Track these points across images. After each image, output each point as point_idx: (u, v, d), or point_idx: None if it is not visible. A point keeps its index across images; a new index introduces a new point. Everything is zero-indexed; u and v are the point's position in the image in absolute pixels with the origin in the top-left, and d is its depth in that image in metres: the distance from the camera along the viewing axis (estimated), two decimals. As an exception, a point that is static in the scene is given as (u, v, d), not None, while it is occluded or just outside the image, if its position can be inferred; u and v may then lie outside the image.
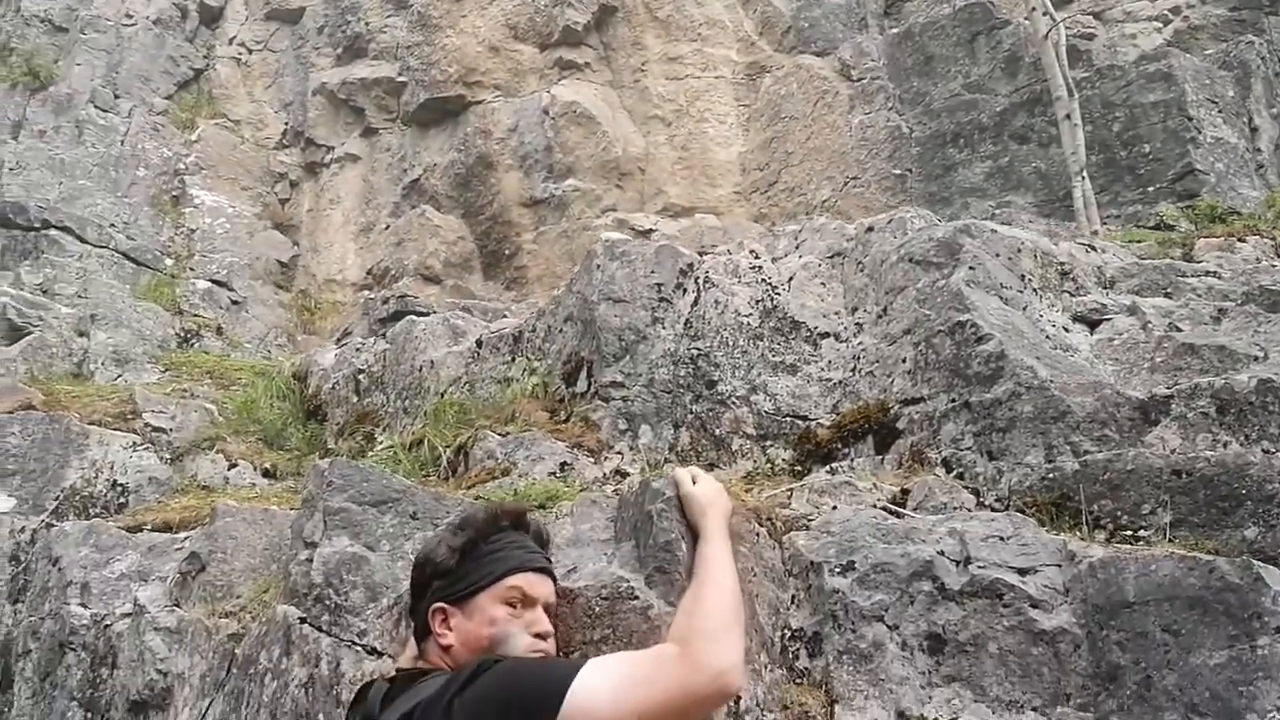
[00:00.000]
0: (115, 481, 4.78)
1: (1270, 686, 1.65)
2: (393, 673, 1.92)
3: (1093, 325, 3.23)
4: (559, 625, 2.07)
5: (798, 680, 2.10)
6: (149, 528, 4.03)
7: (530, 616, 1.83)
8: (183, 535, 3.94)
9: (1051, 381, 2.75)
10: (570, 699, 1.58)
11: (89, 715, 3.39)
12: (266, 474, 4.98)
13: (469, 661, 1.69)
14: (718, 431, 3.41)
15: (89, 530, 3.92)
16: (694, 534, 2.01)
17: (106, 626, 3.49)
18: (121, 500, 4.71)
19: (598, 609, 2.01)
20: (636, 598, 1.97)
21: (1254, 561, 1.80)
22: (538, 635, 1.81)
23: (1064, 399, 2.70)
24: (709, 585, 1.79)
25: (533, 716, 1.57)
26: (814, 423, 3.30)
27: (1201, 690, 1.71)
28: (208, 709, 2.94)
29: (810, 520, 2.39)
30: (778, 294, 3.55)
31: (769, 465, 3.33)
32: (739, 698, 1.95)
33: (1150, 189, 6.06)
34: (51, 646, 3.64)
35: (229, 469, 5.01)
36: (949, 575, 2.03)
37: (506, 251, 8.49)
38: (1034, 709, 1.88)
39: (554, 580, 1.95)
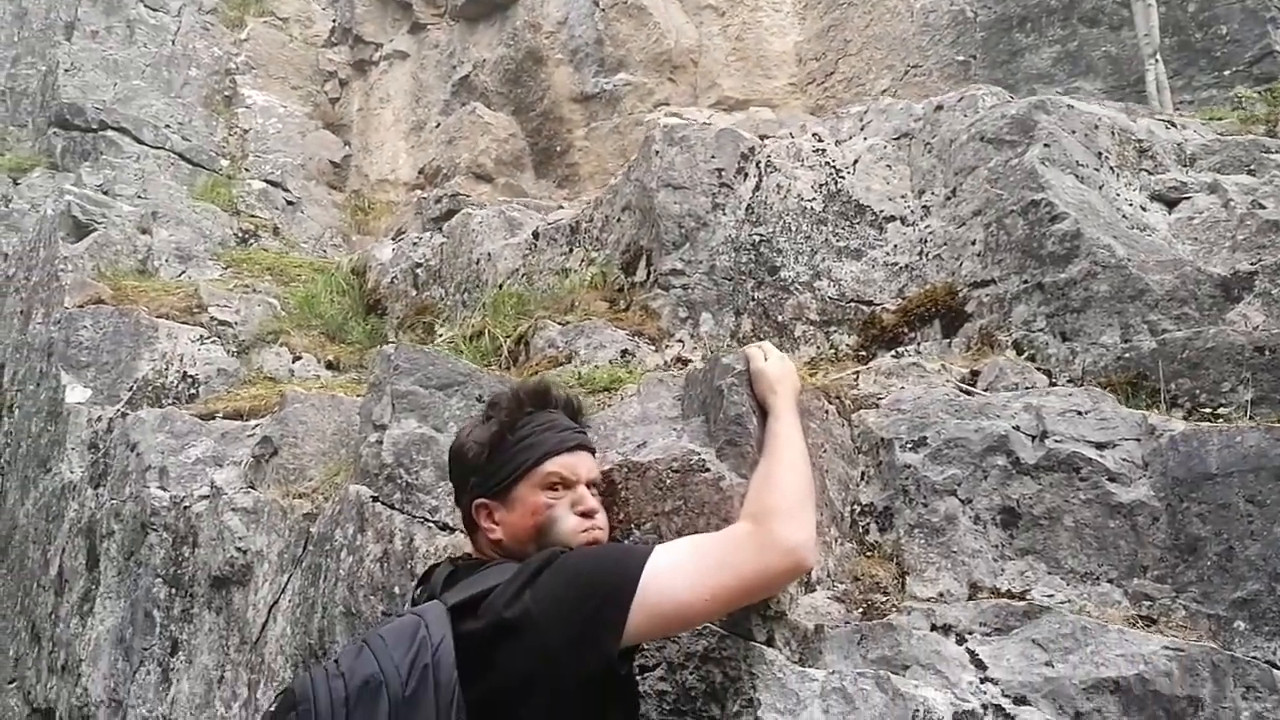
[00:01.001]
0: (185, 373, 4.88)
1: (1357, 555, 1.62)
2: (458, 556, 1.94)
3: (1171, 204, 3.12)
4: (630, 499, 2.10)
5: (868, 553, 2.10)
6: (220, 415, 4.13)
7: (574, 496, 1.81)
8: (253, 423, 4.03)
9: (1129, 260, 2.67)
10: (644, 586, 1.58)
11: (173, 591, 3.52)
12: (330, 366, 5.06)
13: (536, 554, 1.67)
14: (780, 318, 3.37)
15: (164, 418, 4.02)
16: (763, 411, 2.00)
17: (186, 508, 3.61)
18: (192, 391, 4.81)
19: (668, 481, 2.02)
20: (708, 470, 1.97)
21: (1344, 431, 1.75)
22: (583, 514, 1.80)
23: (1142, 277, 2.62)
24: (780, 462, 1.78)
25: (608, 607, 1.57)
26: (879, 308, 3.25)
27: (1286, 560, 1.69)
28: (286, 583, 3.04)
29: (879, 399, 2.37)
30: (842, 177, 3.47)
31: (832, 351, 3.30)
32: (810, 569, 1.97)
33: (1226, 72, 5.78)
34: (134, 527, 3.78)
35: (293, 362, 5.08)
36: (1024, 450, 2.01)
37: (558, 149, 8.38)
38: (1110, 581, 1.87)
39: (592, 453, 1.92)
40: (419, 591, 1.83)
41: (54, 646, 4.15)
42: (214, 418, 4.11)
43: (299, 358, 5.13)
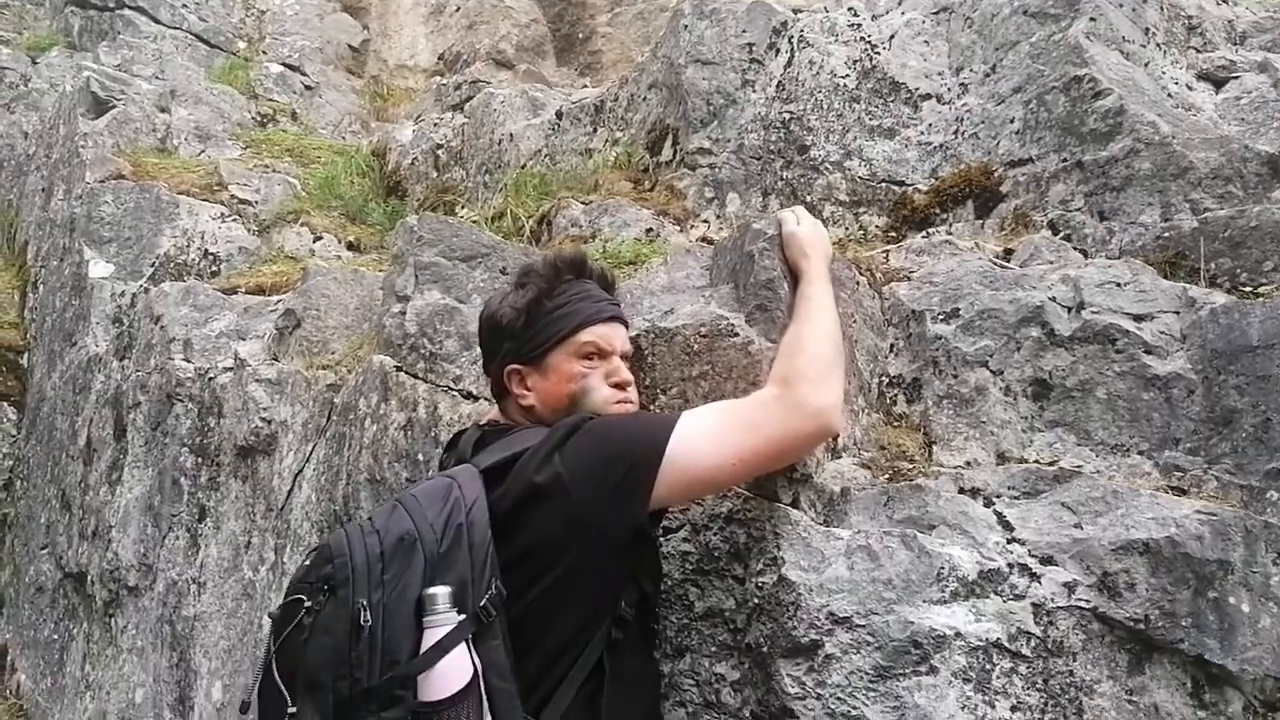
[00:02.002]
0: (207, 250, 4.87)
1: (1400, 425, 1.59)
2: (484, 422, 1.93)
3: (1219, 84, 3.00)
4: (656, 364, 2.08)
5: (894, 424, 2.09)
6: (243, 290, 4.13)
7: (608, 367, 1.80)
8: (275, 298, 4.03)
9: (1173, 137, 2.58)
10: (671, 451, 1.57)
11: (199, 460, 3.57)
12: (350, 247, 5.03)
13: (564, 420, 1.66)
14: (809, 198, 3.30)
15: (187, 291, 4.02)
16: (794, 276, 1.96)
17: (210, 380, 3.63)
18: (214, 269, 4.80)
19: (696, 346, 2.00)
20: (736, 334, 1.95)
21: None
22: (617, 385, 1.79)
23: (1186, 155, 2.54)
24: (809, 325, 1.74)
25: (635, 471, 1.57)
26: (911, 188, 3.17)
27: (1324, 430, 1.66)
28: (311, 452, 3.07)
29: (911, 273, 2.33)
30: (877, 54, 3.35)
31: (861, 232, 3.23)
32: (836, 436, 1.96)
33: (1281, -46, 5.54)
34: (160, 398, 3.81)
35: (314, 241, 5.06)
36: (1059, 321, 1.97)
37: (580, 35, 8.16)
38: (1140, 453, 1.85)
39: (626, 326, 1.91)
40: (447, 456, 1.83)
41: (84, 513, 4.24)
42: (236, 292, 4.11)
43: (320, 238, 5.10)
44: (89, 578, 4.09)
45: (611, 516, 1.55)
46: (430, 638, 1.45)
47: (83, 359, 4.60)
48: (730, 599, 1.82)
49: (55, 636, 4.44)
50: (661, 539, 1.93)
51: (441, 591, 1.47)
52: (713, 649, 1.81)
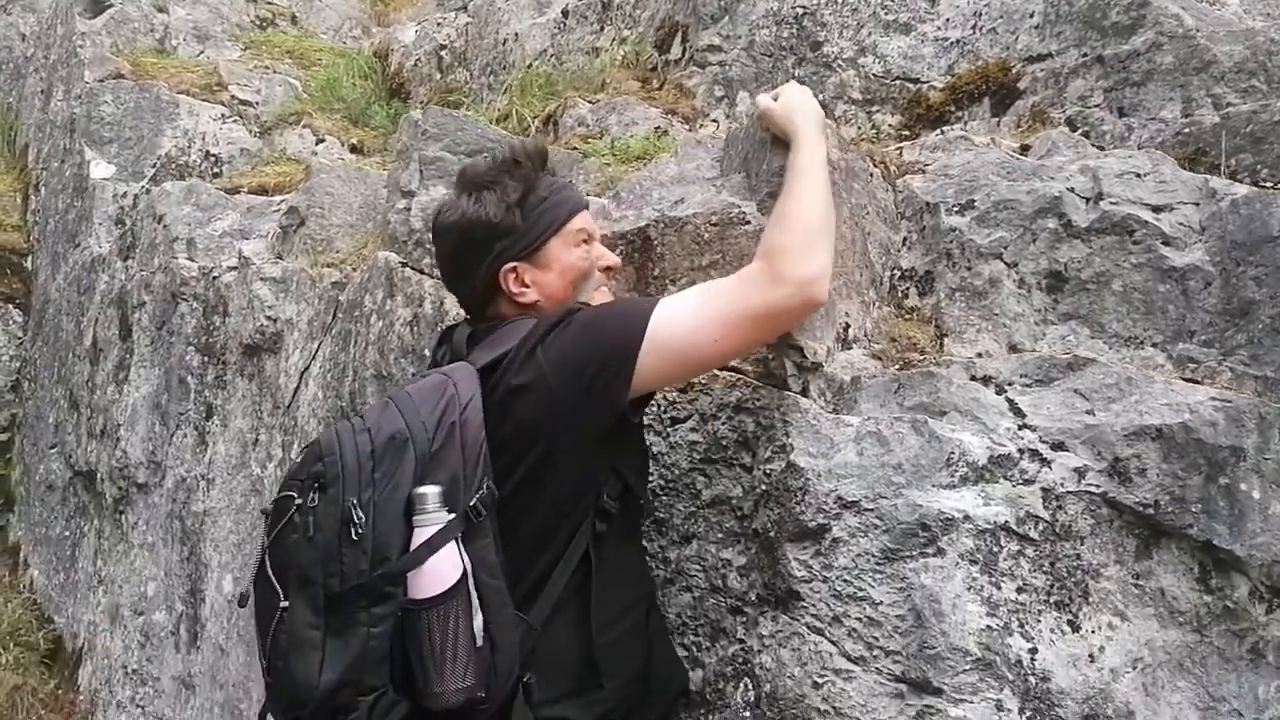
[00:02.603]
0: (208, 152, 4.80)
1: None
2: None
3: (1249, -22, 2.91)
4: (666, 255, 2.05)
5: (906, 316, 2.07)
6: (245, 190, 4.08)
7: (596, 252, 1.78)
8: (278, 198, 3.99)
9: (1197, 30, 2.50)
10: (651, 334, 1.55)
11: (205, 359, 3.57)
12: (353, 149, 4.96)
13: (545, 315, 1.64)
14: (821, 97, 3.22)
15: (189, 190, 3.98)
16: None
17: (215, 279, 3.61)
18: (215, 170, 4.75)
19: (707, 235, 1.97)
20: (748, 222, 1.92)
21: None
22: (607, 269, 1.78)
23: (1210, 48, 2.46)
24: (794, 195, 1.67)
25: (614, 359, 1.55)
26: (926, 85, 3.09)
27: (1343, 320, 1.64)
28: (317, 350, 3.06)
29: (926, 166, 2.28)
30: (895, -55, 3.24)
31: (874, 131, 3.17)
32: (848, 325, 1.94)
33: None
34: (164, 298, 3.79)
35: (316, 144, 4.98)
36: (1077, 212, 1.93)
37: (588, -68, 7.93)
38: (1154, 345, 1.83)
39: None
40: (441, 352, 1.80)
41: (92, 413, 4.26)
42: (239, 192, 4.07)
43: (322, 140, 5.02)
44: (98, 475, 4.13)
45: (592, 406, 1.54)
46: (420, 536, 1.46)
47: (86, 260, 4.58)
48: (738, 487, 1.82)
49: (67, 534, 4.50)
50: (669, 430, 1.93)
51: (432, 491, 1.47)
52: (719, 535, 1.82)
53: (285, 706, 1.48)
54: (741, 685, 1.72)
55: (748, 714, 1.69)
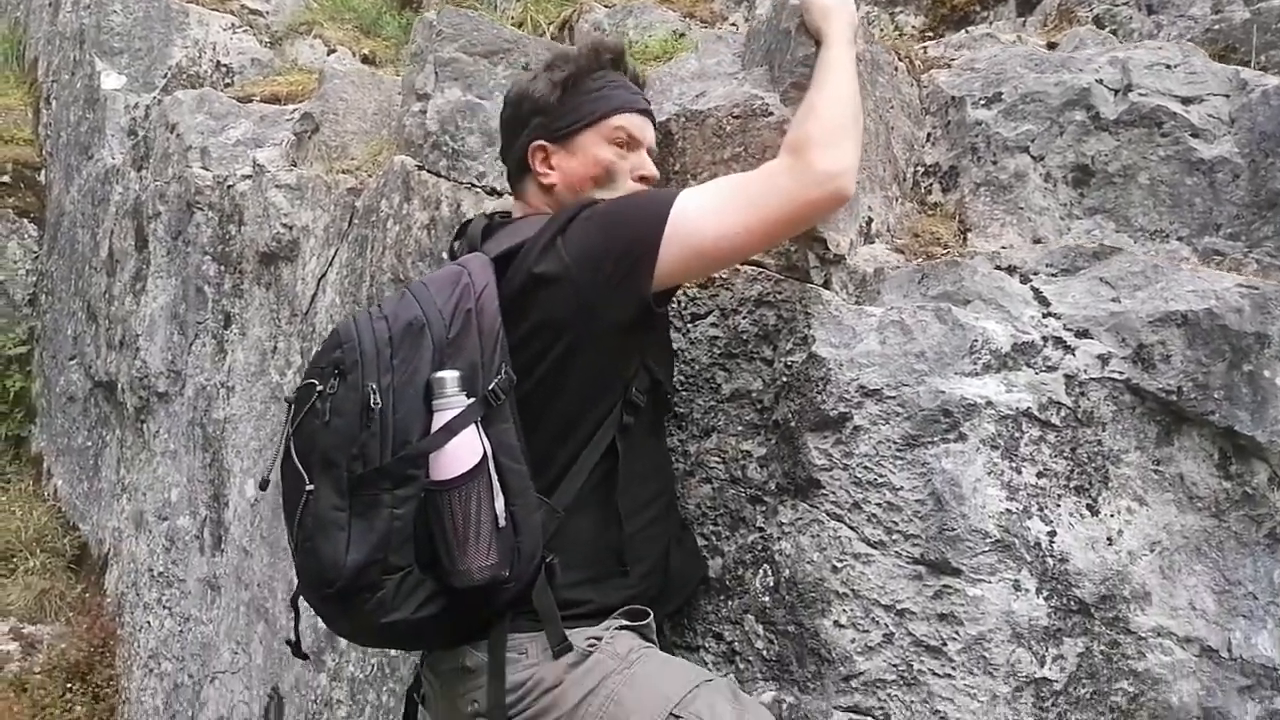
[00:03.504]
0: (219, 62, 4.75)
1: None
2: (493, 213, 1.90)
3: None
4: (687, 149, 2.03)
5: (929, 212, 2.05)
6: (258, 99, 4.04)
7: (635, 160, 1.76)
8: (291, 107, 3.95)
9: (1234, -77, 2.44)
10: (673, 223, 1.54)
11: (222, 268, 3.57)
12: (365, 60, 4.89)
13: (567, 206, 1.64)
14: (843, -2, 3.16)
15: (201, 99, 3.94)
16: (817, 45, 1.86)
17: (230, 187, 3.59)
18: (227, 81, 4.71)
19: (729, 128, 1.95)
20: (771, 114, 1.89)
21: None
22: (642, 178, 1.75)
23: (1246, -59, 2.40)
24: (824, 90, 1.65)
25: (637, 250, 1.54)
26: (951, -15, 3.04)
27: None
28: (334, 256, 3.06)
29: (952, 60, 2.24)
30: None
31: (897, 33, 3.12)
32: (870, 219, 1.93)
33: None
34: (180, 207, 3.79)
35: (327, 54, 4.92)
36: (1105, 104, 1.90)
37: None
38: (1179, 239, 1.81)
39: (654, 126, 1.86)
40: (457, 244, 1.81)
41: (110, 324, 4.29)
42: (251, 100, 4.03)
43: (333, 50, 4.96)
44: (119, 386, 4.17)
45: (614, 297, 1.54)
46: (439, 419, 1.48)
47: (100, 171, 4.56)
48: (758, 380, 1.82)
49: (89, 444, 4.57)
50: (689, 325, 1.93)
51: (450, 375, 1.48)
52: (739, 428, 1.83)
53: (314, 585, 1.52)
54: (761, 572, 1.74)
55: (766, 599, 1.72)
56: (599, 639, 1.54)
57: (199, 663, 3.45)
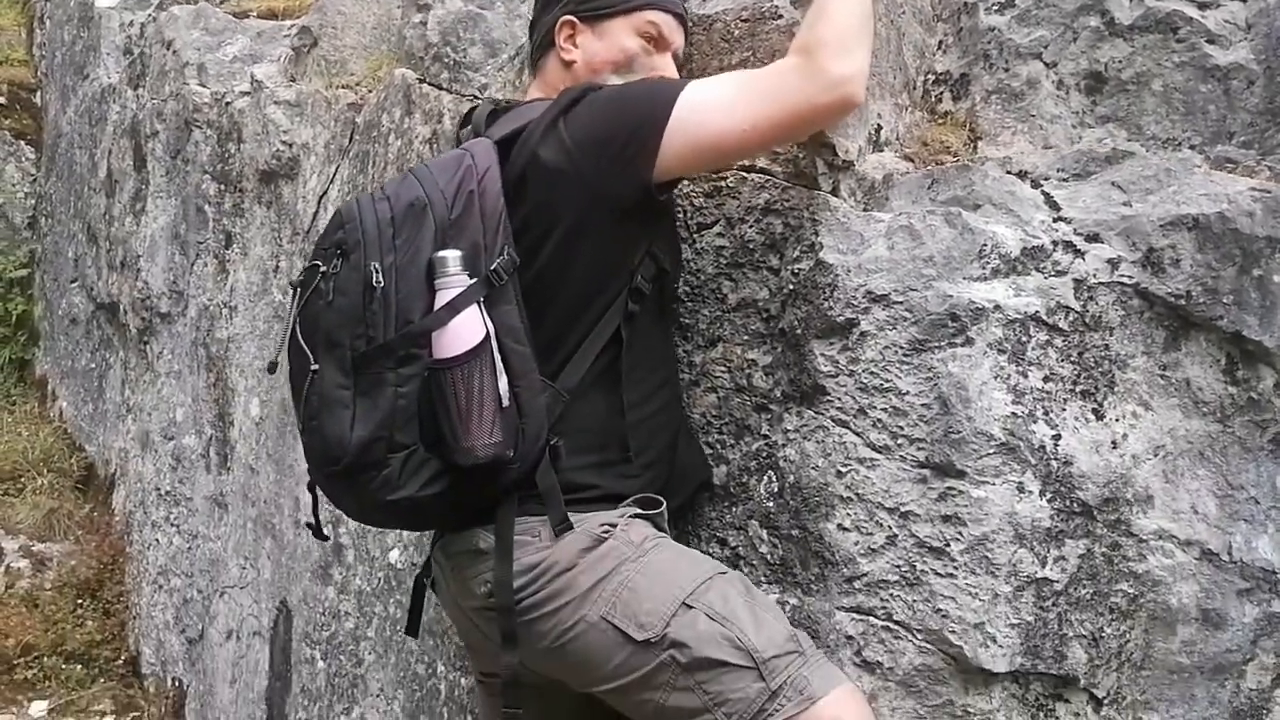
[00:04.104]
0: (213, -22, 4.66)
1: None
2: (499, 100, 1.89)
3: None
4: (694, 54, 1.99)
5: (939, 121, 2.02)
6: (254, 14, 3.98)
7: (659, 61, 1.76)
8: (288, 22, 3.88)
9: None
10: (679, 112, 1.53)
11: (222, 187, 3.54)
12: (364, -22, 4.80)
13: (570, 87, 1.64)
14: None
15: (197, 14, 3.88)
16: None
17: (228, 104, 3.55)
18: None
19: (737, 32, 1.91)
20: (780, 16, 1.85)
21: None
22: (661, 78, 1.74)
23: None
24: None
25: (640, 133, 1.54)
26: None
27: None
28: (334, 173, 3.03)
29: (965, -34, 2.19)
30: None
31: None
32: (880, 126, 1.90)
33: None
34: (177, 125, 3.75)
35: (326, -28, 4.82)
36: (1121, 9, 1.86)
37: None
38: (1192, 147, 1.79)
39: (687, 33, 1.85)
40: (463, 131, 1.81)
41: (111, 245, 4.27)
42: (248, 16, 3.96)
43: (329, -31, 4.85)
44: (121, 307, 4.17)
45: (614, 181, 1.55)
46: (442, 298, 1.49)
47: (96, 91, 4.51)
48: (764, 289, 1.82)
49: (93, 365, 4.58)
50: (695, 236, 1.92)
51: (452, 255, 1.49)
52: (745, 337, 1.83)
53: (321, 463, 1.54)
54: (765, 478, 1.75)
55: (771, 504, 1.73)
56: (613, 525, 1.56)
57: (207, 578, 3.50)
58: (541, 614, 1.53)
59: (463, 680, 2.37)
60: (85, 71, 4.68)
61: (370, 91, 3.03)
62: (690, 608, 1.48)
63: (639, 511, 1.61)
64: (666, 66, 1.76)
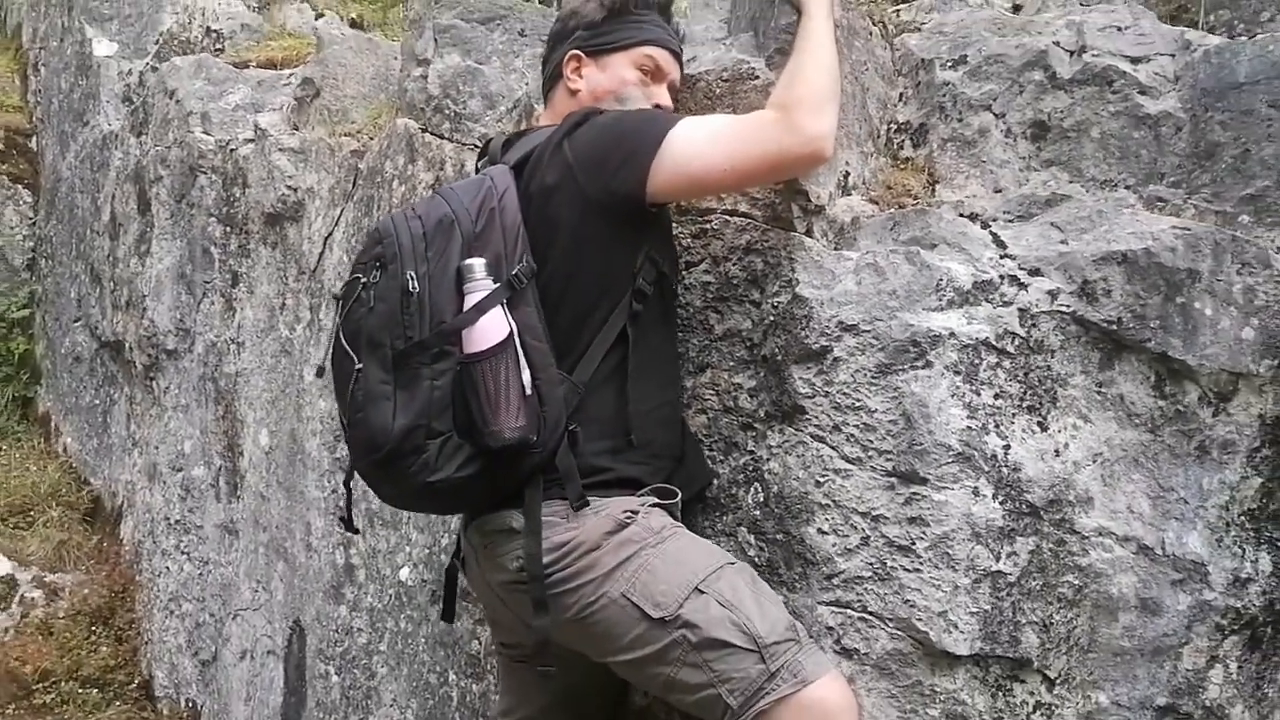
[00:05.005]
0: (209, 27, 4.85)
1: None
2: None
3: None
4: (678, 109, 2.20)
5: (901, 166, 2.23)
6: (254, 64, 4.17)
7: (656, 90, 1.98)
8: (287, 72, 4.08)
9: (1185, -109, 2.62)
10: (669, 143, 1.75)
11: (228, 229, 3.72)
12: (353, 24, 5.01)
13: (575, 111, 1.87)
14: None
15: (199, 65, 4.06)
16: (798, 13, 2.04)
17: (232, 151, 3.73)
18: (218, 46, 4.81)
19: (718, 90, 2.12)
20: (757, 77, 2.06)
21: (1374, 33, 1.83)
22: (657, 107, 1.96)
23: (1196, -92, 2.59)
24: (809, 57, 1.83)
25: (635, 153, 1.75)
26: (922, -51, 3.20)
27: (1295, 157, 1.82)
28: (339, 216, 3.21)
29: (922, 24, 2.41)
30: None
31: (871, -3, 3.29)
32: (848, 173, 2.11)
33: None
34: (182, 171, 3.92)
35: (316, 19, 5.03)
36: (1061, 65, 2.08)
37: None
38: (1127, 187, 2.00)
39: (682, 69, 2.07)
40: (481, 162, 2.04)
41: (115, 285, 4.42)
42: (248, 66, 4.15)
43: (321, 14, 5.07)
44: (126, 345, 4.32)
45: (610, 195, 1.76)
46: (470, 300, 1.70)
47: (97, 137, 4.67)
48: (747, 320, 2.01)
49: (97, 402, 4.72)
50: (684, 273, 2.11)
51: (478, 262, 1.71)
52: (731, 364, 2.03)
53: (366, 452, 1.73)
54: (752, 489, 1.95)
55: (757, 512, 1.93)
56: (635, 512, 1.74)
57: (219, 602, 3.65)
58: (568, 588, 1.71)
59: (474, 687, 2.54)
60: (85, 119, 4.85)
61: (371, 139, 3.22)
62: (702, 593, 1.67)
63: (658, 501, 1.80)
64: (662, 96, 1.99)
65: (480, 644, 2.52)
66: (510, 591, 1.80)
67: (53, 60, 5.38)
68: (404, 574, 2.80)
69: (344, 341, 1.74)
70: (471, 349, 1.68)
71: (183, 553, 3.86)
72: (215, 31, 4.87)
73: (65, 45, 5.15)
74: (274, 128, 3.60)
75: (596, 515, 1.73)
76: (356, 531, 2.15)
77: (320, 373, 1.88)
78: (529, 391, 1.68)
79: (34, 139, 5.62)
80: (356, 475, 1.84)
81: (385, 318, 1.69)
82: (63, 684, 3.83)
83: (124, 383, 4.45)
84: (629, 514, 1.74)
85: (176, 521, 3.91)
